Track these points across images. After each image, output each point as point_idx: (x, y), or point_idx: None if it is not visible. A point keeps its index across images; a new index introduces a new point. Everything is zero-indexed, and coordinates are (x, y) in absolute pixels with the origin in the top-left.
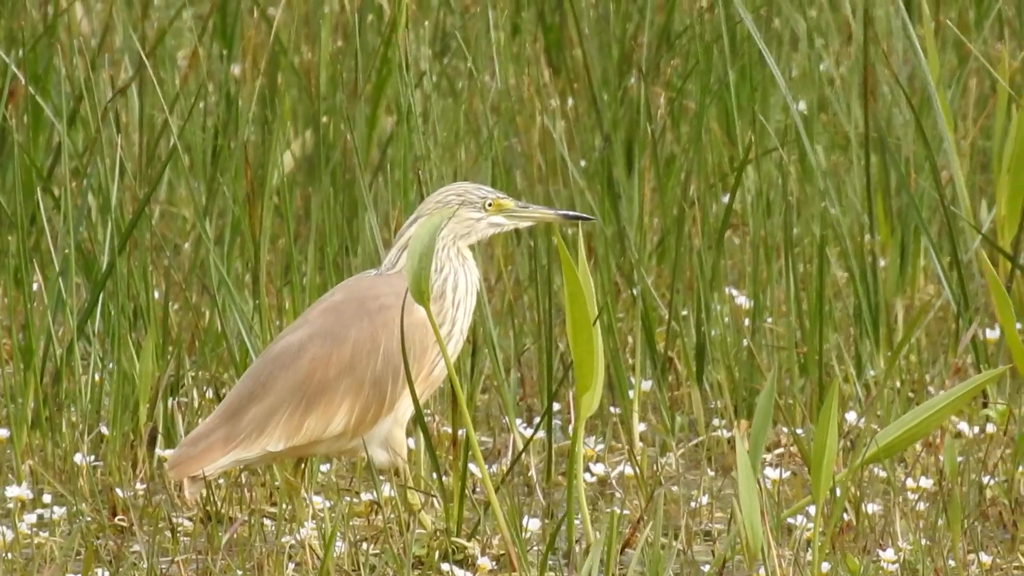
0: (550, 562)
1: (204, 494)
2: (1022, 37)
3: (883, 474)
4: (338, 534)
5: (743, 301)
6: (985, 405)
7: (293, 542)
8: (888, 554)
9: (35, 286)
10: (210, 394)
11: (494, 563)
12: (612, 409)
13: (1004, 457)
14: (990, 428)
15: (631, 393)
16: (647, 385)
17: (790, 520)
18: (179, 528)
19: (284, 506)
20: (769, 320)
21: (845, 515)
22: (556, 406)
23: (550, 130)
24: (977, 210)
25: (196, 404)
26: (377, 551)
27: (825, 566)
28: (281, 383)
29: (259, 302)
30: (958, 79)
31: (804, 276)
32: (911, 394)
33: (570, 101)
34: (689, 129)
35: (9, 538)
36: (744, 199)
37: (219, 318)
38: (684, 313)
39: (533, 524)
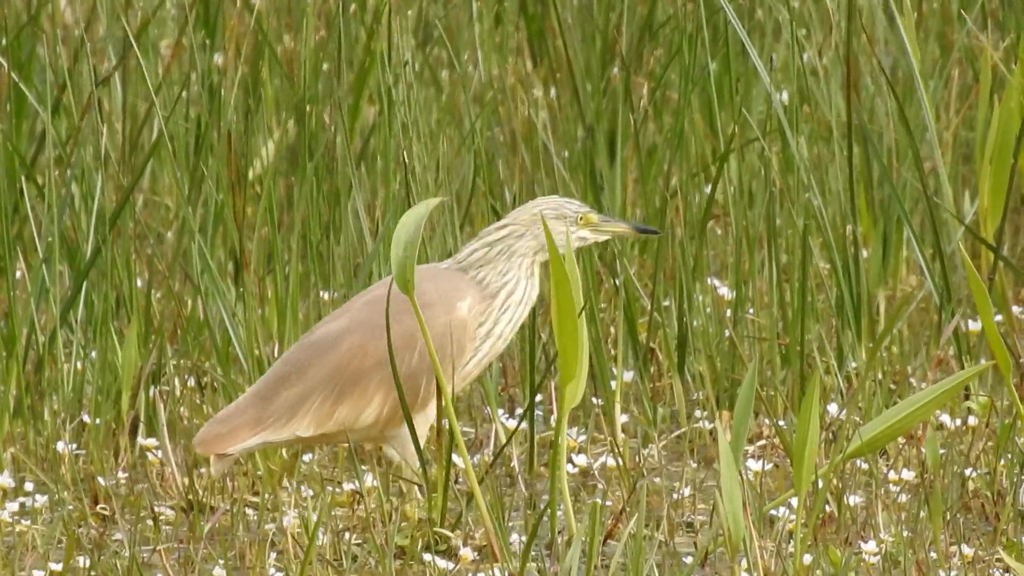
0: (532, 553)
1: (187, 482)
2: (1005, 28)
3: (865, 466)
4: (321, 524)
5: (725, 292)
6: (967, 397)
7: (275, 531)
8: (870, 546)
9: (18, 274)
10: (192, 383)
11: (476, 554)
12: (594, 400)
13: (986, 449)
14: (972, 420)
15: (613, 384)
16: (629, 376)
17: (772, 512)
18: (161, 517)
19: (267, 496)
20: (751, 311)
21: (827, 507)
22: (538, 396)
23: (533, 120)
24: (960, 201)
25: (178, 393)
26: (360, 541)
27: (807, 558)
28: (316, 370)
29: (242, 291)
30: (941, 70)
31: (786, 267)
32: (893, 386)
33: (553, 91)
34: (671, 119)
35: None
36: (726, 190)
37: (202, 307)
38: (666, 304)
39: (515, 515)
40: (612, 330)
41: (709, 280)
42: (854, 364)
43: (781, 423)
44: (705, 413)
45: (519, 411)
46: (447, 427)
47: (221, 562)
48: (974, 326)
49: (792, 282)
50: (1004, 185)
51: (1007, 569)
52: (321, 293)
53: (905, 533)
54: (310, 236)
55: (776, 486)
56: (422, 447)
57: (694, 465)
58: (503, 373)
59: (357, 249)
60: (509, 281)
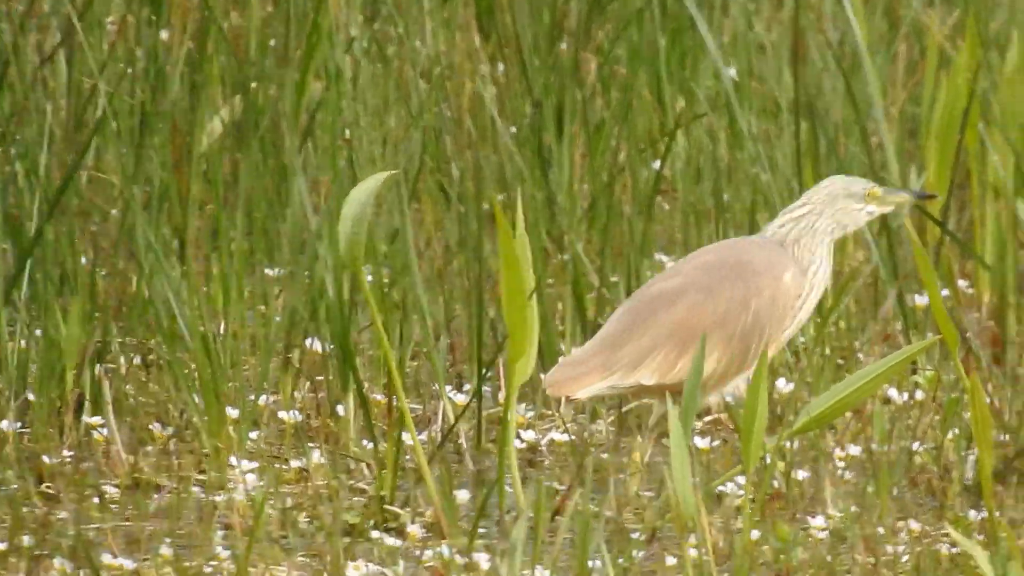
0: (481, 530)
1: (133, 460)
2: (951, 3)
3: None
4: (268, 500)
5: None
6: (915, 372)
7: (223, 509)
8: (818, 521)
9: None
10: (137, 361)
11: (425, 531)
12: (542, 376)
13: (933, 424)
14: (919, 395)
15: (561, 359)
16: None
17: (720, 488)
18: (106, 495)
19: (213, 473)
20: None
21: (775, 483)
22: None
23: (481, 96)
24: (906, 176)
25: (124, 371)
26: (308, 519)
27: (755, 533)
28: (659, 324)
29: (186, 268)
30: (888, 45)
31: None
32: (841, 361)
33: (501, 67)
34: (619, 95)
35: None
36: (674, 165)
37: (146, 284)
38: (614, 279)
39: (463, 492)
40: (560, 306)
41: (657, 255)
42: (803, 339)
43: (729, 399)
44: None
45: (468, 387)
46: (396, 404)
47: (168, 540)
48: (921, 300)
49: None
50: (950, 160)
51: (954, 544)
52: (266, 270)
53: (853, 508)
54: (255, 213)
55: (724, 462)
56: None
57: (640, 440)
58: (451, 350)
59: (303, 225)
60: (816, 258)
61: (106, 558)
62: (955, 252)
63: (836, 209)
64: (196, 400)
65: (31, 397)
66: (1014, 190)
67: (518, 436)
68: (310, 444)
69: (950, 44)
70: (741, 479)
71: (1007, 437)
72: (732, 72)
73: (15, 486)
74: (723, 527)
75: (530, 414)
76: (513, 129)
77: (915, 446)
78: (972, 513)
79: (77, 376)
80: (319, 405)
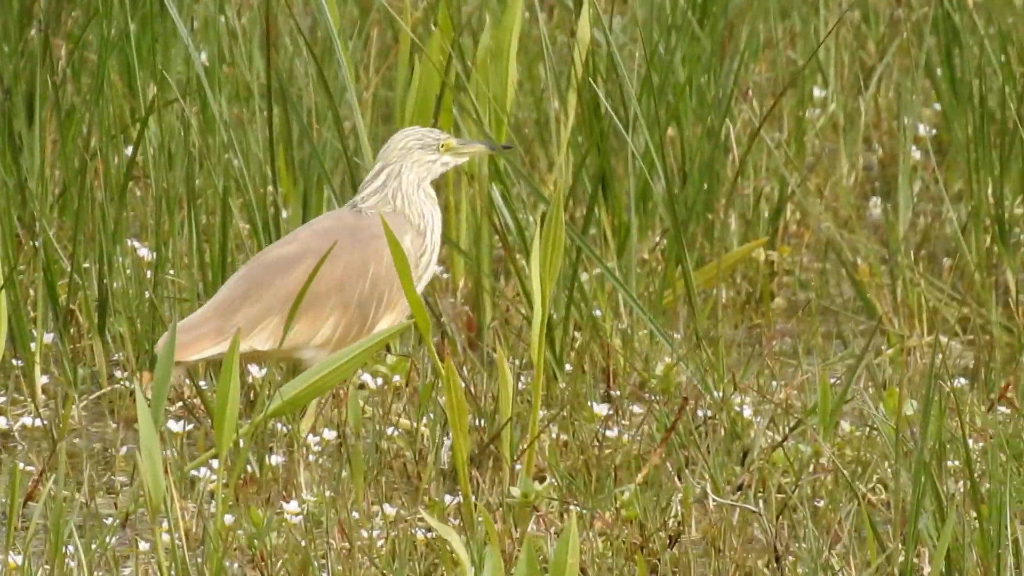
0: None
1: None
2: None
3: (286, 429)
4: None
5: (145, 253)
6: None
7: None
8: (292, 506)
9: None
10: None
11: None
12: (15, 361)
13: (407, 410)
14: (397, 379)
15: (33, 345)
16: (49, 337)
17: (194, 472)
18: None
19: None
20: (172, 272)
21: (249, 467)
22: None
23: None
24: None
25: None
26: None
27: (228, 518)
28: (275, 289)
29: None
30: (360, 30)
31: (207, 228)
32: None
33: None
34: (90, 81)
35: None
36: (146, 151)
37: None
38: (86, 265)
39: None
40: (32, 292)
41: (130, 242)
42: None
43: (202, 383)
44: (126, 374)
45: None
46: None
47: None
48: None
49: (213, 243)
50: None
51: (429, 528)
52: None
53: (328, 493)
54: None
55: (199, 447)
56: None
57: (115, 426)
58: None
59: None
60: (426, 214)
61: None
62: None
63: (413, 161)
64: None
65: None
66: (489, 176)
67: None
68: None
69: (423, 28)
70: (215, 463)
71: (482, 422)
72: (203, 57)
73: None
74: (197, 512)
75: (2, 399)
76: None
77: (389, 431)
78: (448, 498)
79: None
80: None
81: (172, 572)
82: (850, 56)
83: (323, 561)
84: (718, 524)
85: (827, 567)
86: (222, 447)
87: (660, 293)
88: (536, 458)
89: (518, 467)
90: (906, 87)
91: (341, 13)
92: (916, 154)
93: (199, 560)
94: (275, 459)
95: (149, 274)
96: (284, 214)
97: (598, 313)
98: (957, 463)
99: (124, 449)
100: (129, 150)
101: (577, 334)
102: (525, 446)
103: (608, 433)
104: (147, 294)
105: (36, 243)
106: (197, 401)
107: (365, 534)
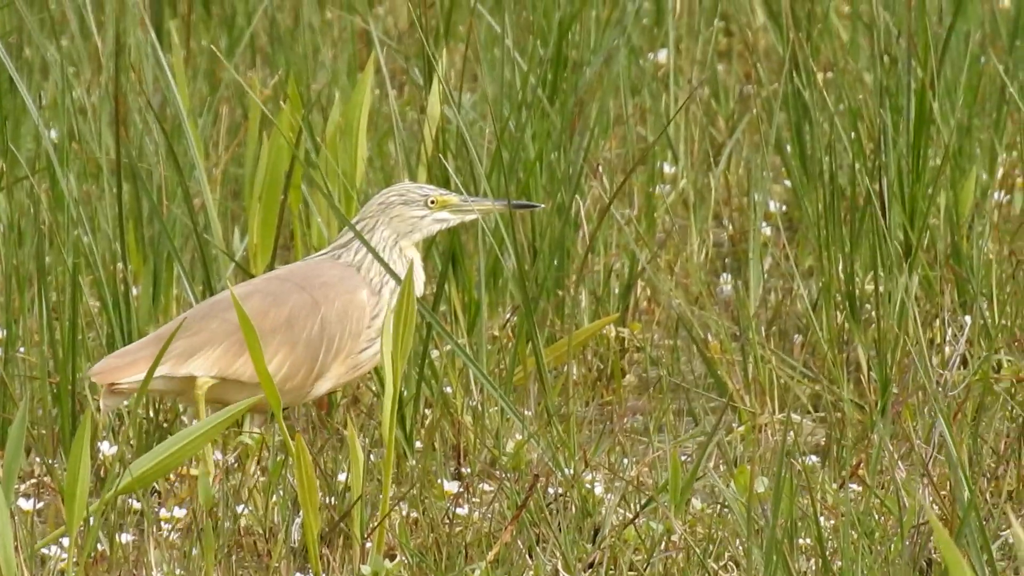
0: None
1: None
2: (273, 65)
3: (138, 505)
4: None
5: None
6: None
7: None
8: None
9: None
10: None
11: None
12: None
13: (258, 486)
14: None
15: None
16: None
17: (45, 550)
18: None
19: None
20: (22, 350)
21: (100, 545)
22: None
23: None
24: (230, 238)
25: None
26: None
27: None
28: (218, 323)
29: None
30: (209, 106)
31: (57, 305)
32: (165, 424)
33: None
34: None
35: None
36: None
37: None
38: None
39: None
40: None
41: None
42: (126, 402)
43: (53, 461)
44: None
45: None
46: None
47: None
48: None
49: (63, 320)
50: (274, 221)
51: None
52: None
53: (178, 571)
54: None
55: (49, 524)
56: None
57: None
58: None
59: None
60: (386, 278)
61: None
62: None
63: (392, 217)
64: None
65: None
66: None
67: None
68: None
69: (272, 105)
70: (65, 541)
71: (332, 500)
72: (53, 135)
73: None
74: None
75: None
76: None
77: (241, 508)
78: (298, 575)
79: None
80: None
81: None
82: (700, 132)
83: None
84: None
85: None
86: (72, 525)
87: (511, 370)
88: (387, 536)
89: (368, 545)
90: (756, 163)
91: (191, 91)
92: (767, 230)
93: None
94: (125, 537)
95: (0, 352)
96: (134, 291)
97: (449, 390)
98: (808, 541)
99: None
100: None
101: (428, 411)
102: (376, 524)
103: (459, 511)
104: None
105: None
106: (47, 479)
107: None
